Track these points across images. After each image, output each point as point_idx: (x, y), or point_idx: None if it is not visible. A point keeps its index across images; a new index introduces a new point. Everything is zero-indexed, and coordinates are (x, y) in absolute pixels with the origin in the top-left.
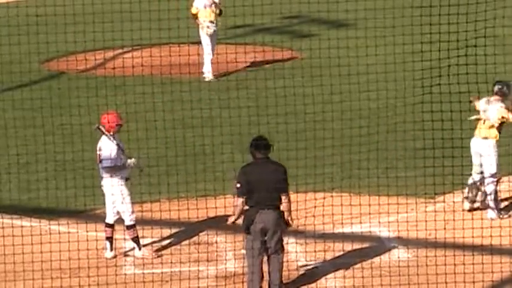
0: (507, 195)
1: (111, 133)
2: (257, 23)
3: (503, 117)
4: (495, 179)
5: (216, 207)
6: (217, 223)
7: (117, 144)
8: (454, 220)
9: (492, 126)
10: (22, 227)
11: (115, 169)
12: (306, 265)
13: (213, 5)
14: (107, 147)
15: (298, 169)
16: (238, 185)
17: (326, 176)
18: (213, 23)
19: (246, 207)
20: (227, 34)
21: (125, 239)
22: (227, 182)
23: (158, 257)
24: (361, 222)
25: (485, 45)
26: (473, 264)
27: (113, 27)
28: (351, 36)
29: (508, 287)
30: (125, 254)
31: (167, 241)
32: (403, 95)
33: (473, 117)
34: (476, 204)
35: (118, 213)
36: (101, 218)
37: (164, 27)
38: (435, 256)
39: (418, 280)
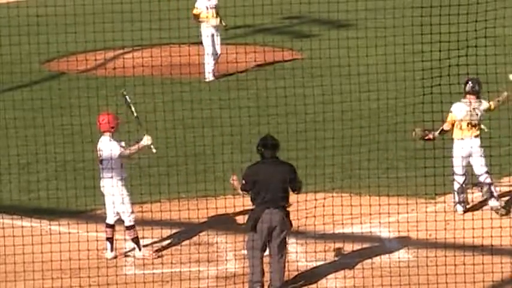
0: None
1: (111, 134)
2: (257, 23)
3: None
4: (488, 174)
5: (216, 208)
6: (218, 223)
7: (117, 144)
8: (454, 220)
9: (478, 124)
10: (23, 227)
11: (115, 169)
12: (307, 265)
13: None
14: (107, 147)
15: (298, 169)
16: (244, 182)
17: (326, 176)
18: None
19: (253, 206)
20: (227, 34)
21: (125, 240)
22: (227, 183)
23: (158, 257)
24: (361, 223)
25: (485, 45)
26: (473, 264)
27: (113, 27)
28: (351, 36)
29: (508, 287)
30: (126, 255)
31: (167, 241)
32: (403, 95)
33: (447, 128)
34: (468, 205)
35: (118, 213)
36: (101, 219)
37: (165, 28)
38: (436, 256)
39: (419, 280)
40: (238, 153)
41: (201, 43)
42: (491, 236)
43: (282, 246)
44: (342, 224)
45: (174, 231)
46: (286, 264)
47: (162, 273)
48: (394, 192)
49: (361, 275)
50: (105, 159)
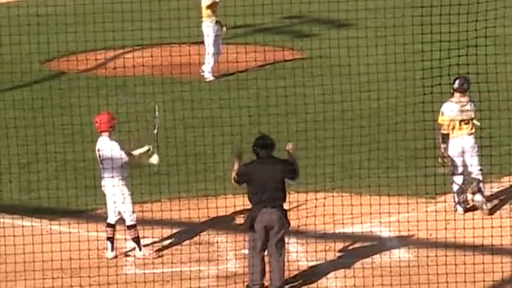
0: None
1: (109, 133)
2: (258, 22)
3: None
4: (481, 172)
5: (217, 207)
6: (218, 223)
7: (117, 144)
8: (455, 220)
9: (470, 122)
10: (23, 227)
11: (116, 169)
12: (307, 265)
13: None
14: (107, 147)
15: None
16: (236, 176)
17: (327, 176)
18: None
19: (250, 206)
20: (227, 34)
21: (125, 239)
22: (228, 182)
23: (159, 257)
24: (362, 222)
25: (485, 45)
26: (474, 264)
27: (113, 27)
28: (351, 36)
29: (508, 287)
30: (126, 254)
31: (168, 241)
32: (403, 95)
33: (446, 131)
34: (469, 205)
35: (119, 213)
36: (101, 218)
37: (165, 27)
38: (436, 256)
39: (419, 280)
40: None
41: (202, 42)
42: (492, 236)
43: (281, 245)
44: (343, 223)
45: (174, 230)
46: (287, 264)
47: (163, 272)
48: (395, 191)
49: (362, 275)
50: (105, 159)
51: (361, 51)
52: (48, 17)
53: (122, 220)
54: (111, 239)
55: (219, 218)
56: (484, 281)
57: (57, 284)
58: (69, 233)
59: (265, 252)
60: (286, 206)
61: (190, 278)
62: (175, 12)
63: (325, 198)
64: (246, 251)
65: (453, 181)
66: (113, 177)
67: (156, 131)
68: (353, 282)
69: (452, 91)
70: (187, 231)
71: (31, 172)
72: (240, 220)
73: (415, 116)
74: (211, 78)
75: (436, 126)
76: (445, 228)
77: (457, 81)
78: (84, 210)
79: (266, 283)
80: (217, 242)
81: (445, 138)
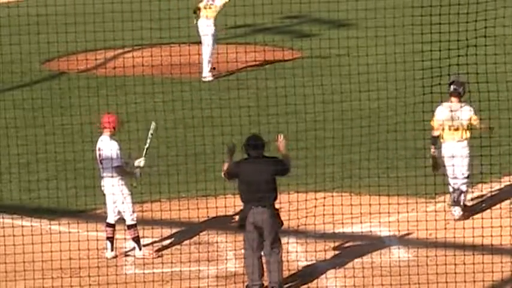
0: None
1: (111, 134)
2: (257, 22)
3: (473, 124)
4: (469, 180)
5: (216, 207)
6: (218, 223)
7: (117, 145)
8: (454, 220)
9: (464, 129)
10: (23, 226)
11: (116, 169)
12: (307, 265)
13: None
14: (107, 147)
15: (298, 169)
16: (226, 173)
17: (326, 176)
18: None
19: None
20: (227, 34)
21: (125, 239)
22: (228, 182)
23: (159, 257)
24: (361, 222)
25: (485, 45)
26: (473, 264)
27: (113, 27)
28: (351, 35)
29: (508, 287)
30: (126, 254)
31: (168, 241)
32: (403, 95)
33: (436, 133)
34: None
35: (119, 213)
36: (101, 218)
37: (165, 27)
38: (436, 256)
39: (419, 280)
40: (239, 153)
41: (200, 42)
42: (491, 236)
43: (276, 245)
44: (342, 223)
45: (174, 230)
46: (286, 264)
47: (162, 272)
48: (394, 191)
49: (361, 275)
50: (105, 159)
51: (361, 51)
52: (48, 17)
53: (121, 220)
54: (111, 239)
55: (219, 218)
56: (483, 281)
57: (57, 284)
58: (69, 233)
59: (263, 252)
60: (284, 205)
61: (190, 278)
62: (175, 12)
63: (324, 198)
64: (243, 251)
65: (448, 183)
66: (112, 177)
67: (147, 145)
68: (353, 282)
69: (448, 93)
70: (187, 231)
71: (31, 172)
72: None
73: (415, 116)
74: (210, 78)
75: (429, 127)
76: (445, 228)
77: (452, 85)
78: (84, 210)
79: (266, 283)
80: (217, 242)
81: (435, 140)
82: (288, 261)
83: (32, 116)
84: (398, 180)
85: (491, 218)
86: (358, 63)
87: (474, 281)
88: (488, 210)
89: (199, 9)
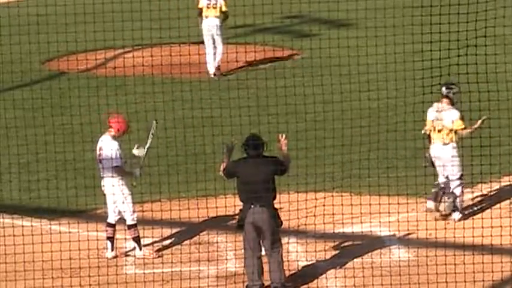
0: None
1: (114, 136)
2: (257, 22)
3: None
4: (462, 182)
5: (216, 207)
6: (218, 223)
7: (118, 146)
8: (454, 220)
9: (450, 132)
10: (23, 226)
11: (115, 169)
12: (307, 265)
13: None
14: (108, 147)
15: (298, 169)
16: (224, 172)
17: (327, 176)
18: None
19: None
20: (227, 34)
21: (125, 239)
22: (228, 182)
23: (159, 257)
24: (361, 222)
25: (485, 44)
26: (473, 264)
27: (113, 27)
28: (351, 35)
29: (508, 287)
30: (126, 254)
31: (168, 241)
32: (403, 95)
33: (425, 130)
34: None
35: (119, 213)
36: (101, 218)
37: (165, 27)
38: (436, 256)
39: (419, 280)
40: (239, 153)
41: (202, 42)
42: (491, 236)
43: (276, 245)
44: (342, 223)
45: (174, 230)
46: (287, 264)
47: (163, 272)
48: (394, 191)
49: (361, 275)
50: (105, 159)
51: (361, 51)
52: (48, 17)
53: (122, 220)
54: (111, 239)
55: (219, 218)
56: (483, 280)
57: (57, 284)
58: (69, 232)
59: (263, 252)
60: (284, 205)
61: (190, 278)
62: (175, 11)
63: (325, 198)
64: (243, 251)
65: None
66: (112, 177)
67: (148, 145)
68: (353, 282)
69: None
70: (187, 231)
71: (31, 172)
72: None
73: (415, 116)
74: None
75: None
76: (445, 228)
77: (444, 87)
78: (84, 210)
79: (266, 283)
80: (217, 242)
81: (429, 138)
82: (288, 261)
83: (32, 116)
84: (399, 180)
85: (491, 218)
86: (358, 63)
87: (474, 281)
88: (488, 210)
89: (201, 10)
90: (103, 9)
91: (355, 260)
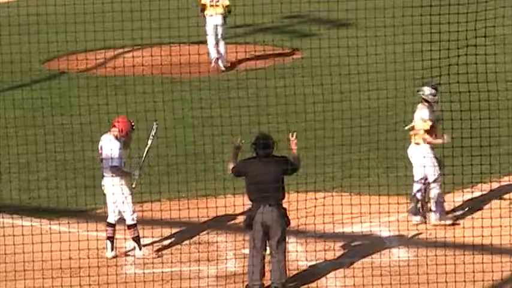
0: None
1: (116, 136)
2: (257, 22)
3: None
4: (438, 183)
5: (216, 207)
6: (218, 223)
7: (119, 146)
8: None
9: (415, 133)
10: (23, 226)
11: (113, 169)
12: (307, 265)
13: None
14: (108, 146)
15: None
16: (233, 167)
17: (326, 176)
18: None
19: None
20: (227, 34)
21: (125, 239)
22: (227, 182)
23: (159, 256)
24: (361, 222)
25: (485, 44)
26: (473, 263)
27: (113, 26)
28: (351, 35)
29: (508, 286)
30: (126, 254)
31: (168, 241)
32: (403, 95)
33: (408, 126)
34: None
35: (119, 212)
36: (101, 218)
37: (165, 27)
38: (435, 256)
39: (419, 280)
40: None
41: (202, 42)
42: (491, 235)
43: (281, 245)
44: (342, 223)
45: (174, 230)
46: (287, 263)
47: (162, 272)
48: (394, 191)
49: (361, 275)
50: (105, 158)
51: (361, 51)
52: (48, 16)
53: (122, 220)
54: (111, 239)
55: (219, 218)
56: (483, 280)
57: (56, 284)
58: (69, 232)
59: (267, 252)
60: (284, 205)
61: (190, 278)
62: (175, 11)
63: (324, 197)
64: (247, 251)
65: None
66: (112, 176)
67: (148, 147)
68: (353, 282)
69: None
70: (187, 231)
71: (31, 172)
72: (240, 219)
73: None
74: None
75: None
76: (445, 228)
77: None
78: (84, 210)
79: (266, 283)
80: (217, 242)
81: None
82: (288, 261)
83: (32, 116)
84: (398, 180)
85: (491, 218)
86: (358, 63)
87: (474, 281)
88: (488, 210)
89: (204, 6)
90: (103, 9)
91: (355, 260)
